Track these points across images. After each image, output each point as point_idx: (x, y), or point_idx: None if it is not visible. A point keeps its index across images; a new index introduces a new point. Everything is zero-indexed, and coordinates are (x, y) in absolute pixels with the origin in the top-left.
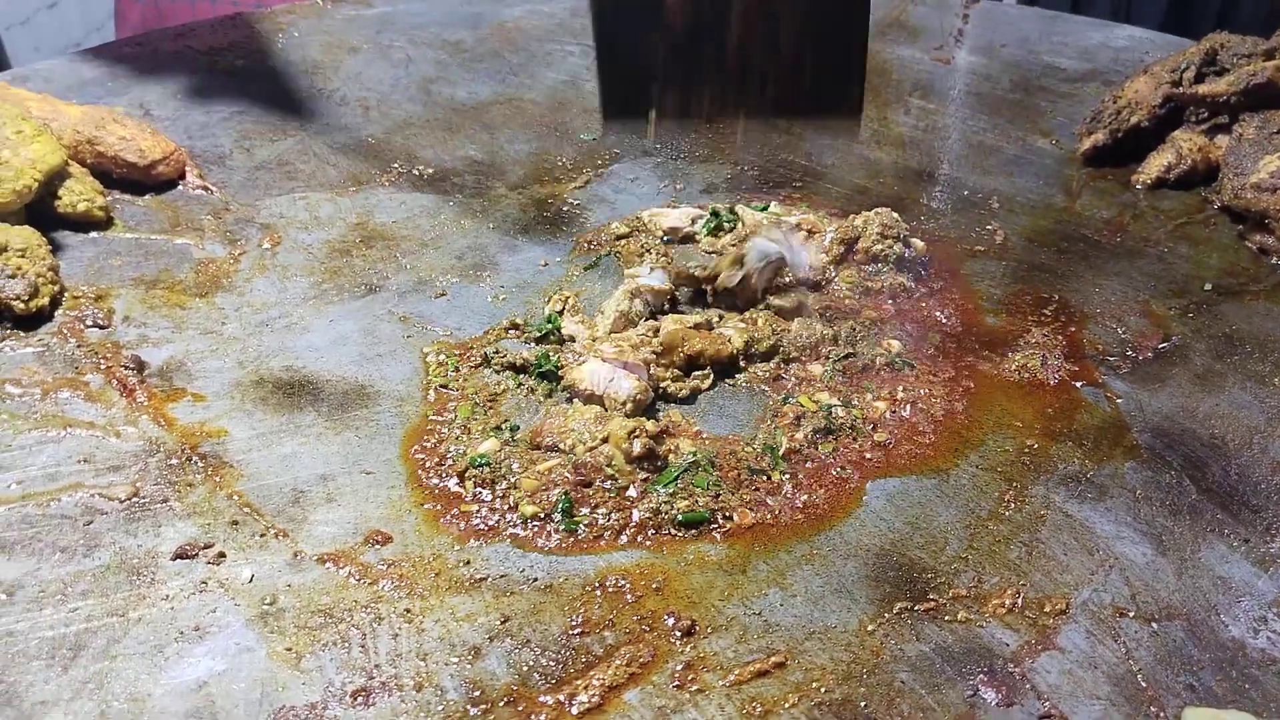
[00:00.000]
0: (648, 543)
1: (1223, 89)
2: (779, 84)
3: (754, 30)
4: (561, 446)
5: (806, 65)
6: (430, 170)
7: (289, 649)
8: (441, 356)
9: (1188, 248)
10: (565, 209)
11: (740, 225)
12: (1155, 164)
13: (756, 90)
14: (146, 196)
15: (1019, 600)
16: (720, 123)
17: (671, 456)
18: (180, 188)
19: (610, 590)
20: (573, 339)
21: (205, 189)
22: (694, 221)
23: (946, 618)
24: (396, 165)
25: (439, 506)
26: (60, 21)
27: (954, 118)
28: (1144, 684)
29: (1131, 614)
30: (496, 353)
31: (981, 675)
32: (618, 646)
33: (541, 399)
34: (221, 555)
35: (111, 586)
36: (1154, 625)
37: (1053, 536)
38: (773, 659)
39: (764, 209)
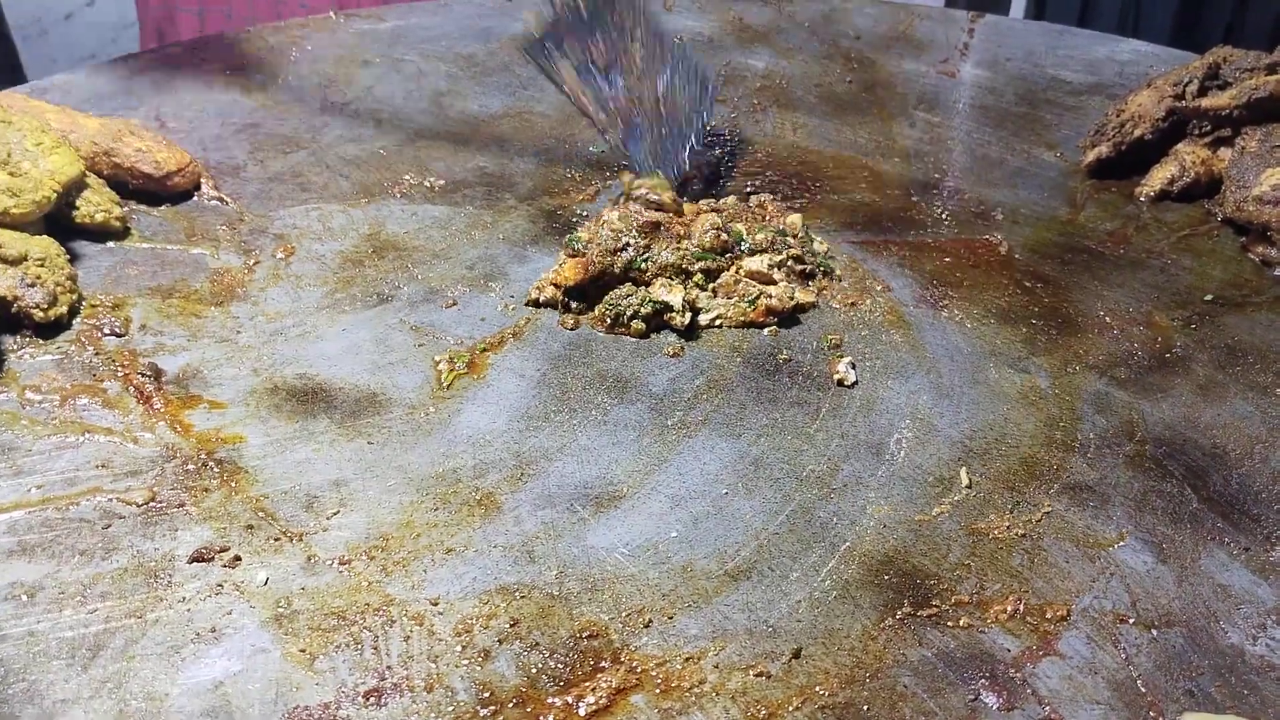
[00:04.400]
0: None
1: (1225, 102)
2: None
3: None
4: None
5: None
6: (441, 182)
7: (303, 650)
8: (454, 364)
9: (1191, 259)
10: (574, 220)
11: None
12: (1158, 176)
13: None
14: (162, 207)
15: (1020, 606)
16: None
17: None
18: (195, 199)
19: (619, 597)
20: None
21: (220, 200)
22: None
23: (949, 623)
24: (408, 177)
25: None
26: (77, 33)
27: (959, 130)
28: (1143, 689)
29: (1132, 621)
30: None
31: (983, 680)
32: (624, 649)
33: None
34: (237, 559)
35: (129, 589)
36: (1154, 632)
37: (1054, 544)
38: (777, 663)
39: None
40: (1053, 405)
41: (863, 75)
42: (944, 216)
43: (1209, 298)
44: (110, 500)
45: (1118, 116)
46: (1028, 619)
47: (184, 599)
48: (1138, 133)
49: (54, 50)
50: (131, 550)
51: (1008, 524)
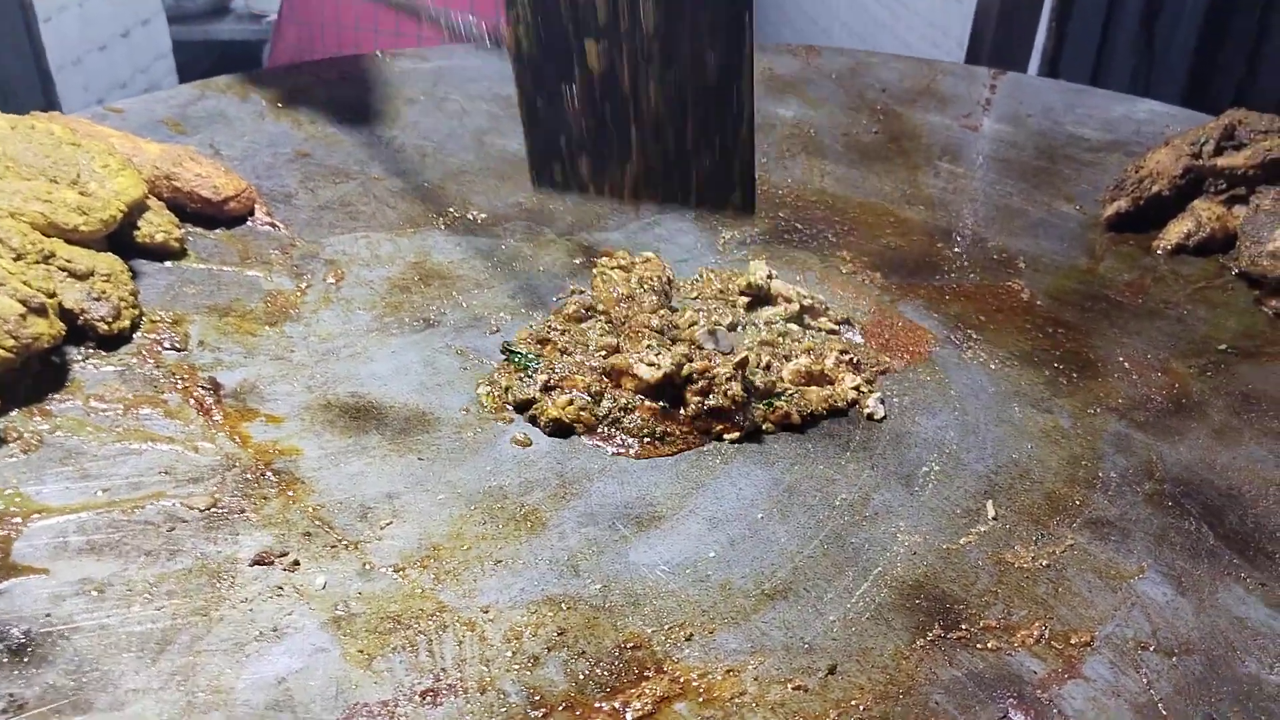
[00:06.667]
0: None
1: (1240, 162)
2: (672, 177)
3: (651, 124)
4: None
5: (695, 162)
6: (484, 215)
7: (361, 651)
8: (496, 384)
9: (1206, 310)
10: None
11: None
12: (1175, 231)
13: (654, 179)
14: (218, 230)
15: (1046, 632)
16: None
17: None
18: (249, 223)
19: (660, 611)
20: None
21: (273, 225)
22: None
23: (977, 645)
24: (452, 210)
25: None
26: (110, 63)
27: (981, 181)
28: (1164, 712)
29: (1153, 648)
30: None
31: (1011, 699)
32: (666, 660)
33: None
34: (296, 563)
35: (194, 588)
36: (1174, 659)
37: (1078, 575)
38: (814, 678)
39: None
40: (1075, 444)
41: (888, 126)
42: (967, 263)
43: (1224, 347)
44: (174, 505)
45: (1136, 173)
46: (1053, 644)
47: (246, 599)
48: (1156, 189)
49: (88, 79)
50: (195, 552)
51: (1033, 555)
